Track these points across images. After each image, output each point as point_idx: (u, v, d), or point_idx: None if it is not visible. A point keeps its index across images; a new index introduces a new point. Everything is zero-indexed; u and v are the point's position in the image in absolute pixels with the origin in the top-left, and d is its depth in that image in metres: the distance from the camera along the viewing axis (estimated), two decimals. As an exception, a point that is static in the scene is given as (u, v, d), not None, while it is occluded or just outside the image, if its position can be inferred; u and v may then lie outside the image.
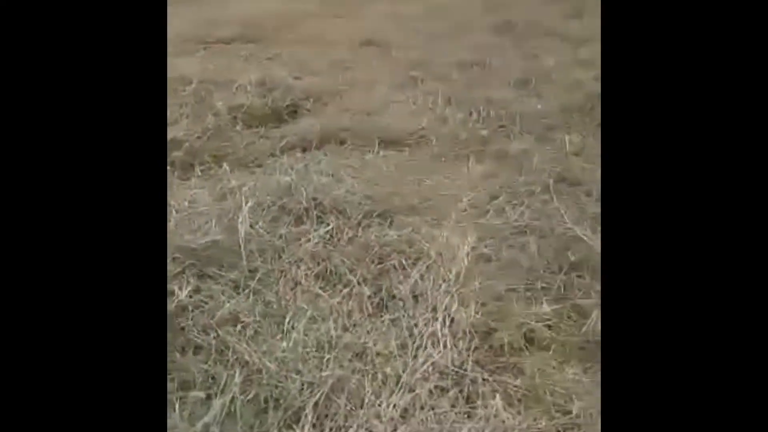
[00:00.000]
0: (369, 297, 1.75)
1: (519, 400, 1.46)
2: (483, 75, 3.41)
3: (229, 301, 1.65)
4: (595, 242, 2.01)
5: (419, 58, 3.69)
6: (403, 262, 1.86)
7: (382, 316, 1.69)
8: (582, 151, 2.65)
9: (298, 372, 1.44)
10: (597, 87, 3.15)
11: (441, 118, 2.79)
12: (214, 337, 1.54)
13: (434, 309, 1.69)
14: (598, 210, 2.18)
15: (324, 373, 1.42)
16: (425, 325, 1.64)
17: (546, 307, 1.75)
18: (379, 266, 1.86)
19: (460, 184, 2.33)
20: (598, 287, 1.81)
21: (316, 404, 1.38)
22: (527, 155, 2.60)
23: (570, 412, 1.40)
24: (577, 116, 2.92)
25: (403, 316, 1.68)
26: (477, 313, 1.68)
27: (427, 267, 1.83)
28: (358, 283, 1.79)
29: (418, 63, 3.61)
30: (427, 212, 2.09)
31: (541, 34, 4.17)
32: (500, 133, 2.78)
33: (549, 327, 1.68)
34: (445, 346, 1.57)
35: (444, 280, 1.79)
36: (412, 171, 2.34)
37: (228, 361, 1.48)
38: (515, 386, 1.49)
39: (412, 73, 3.39)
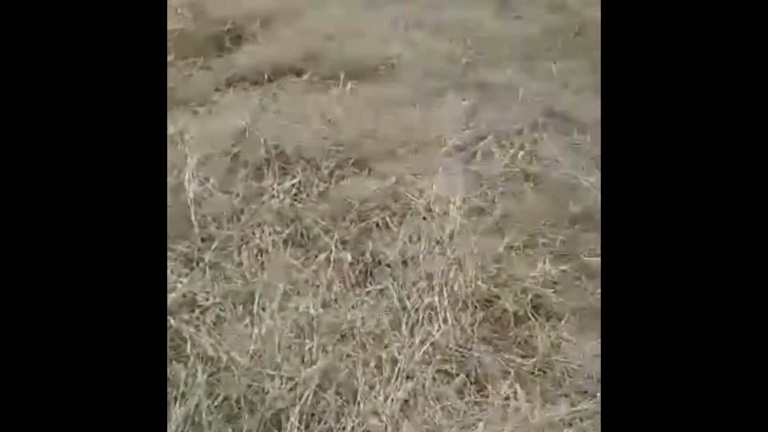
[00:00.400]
0: (351, 264, 1.53)
1: (533, 381, 1.31)
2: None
3: (180, 281, 1.40)
4: (597, 188, 1.85)
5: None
6: (388, 220, 1.64)
7: (368, 287, 1.48)
8: (570, 81, 2.45)
9: (276, 366, 1.23)
10: (581, 8, 2.92)
11: (413, 45, 2.49)
12: (167, 327, 1.30)
13: (428, 276, 1.49)
14: (596, 151, 2.01)
15: (308, 369, 1.22)
16: (419, 296, 1.45)
17: (550, 268, 1.58)
18: (359, 226, 1.63)
19: (441, 122, 2.09)
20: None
21: (301, 404, 1.19)
22: (512, 87, 2.38)
23: (594, 396, 1.26)
24: (562, 41, 2.69)
25: (393, 285, 1.48)
26: (477, 279, 1.50)
27: (416, 225, 1.62)
28: (337, 247, 1.57)
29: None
30: (409, 158, 1.86)
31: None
32: (480, 62, 2.53)
33: (556, 291, 1.52)
34: (444, 321, 1.39)
35: (437, 241, 1.59)
36: (386, 108, 2.07)
37: (187, 356, 1.25)
38: (528, 366, 1.33)
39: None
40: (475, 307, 1.45)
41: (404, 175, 1.77)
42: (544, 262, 1.60)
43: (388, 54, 2.38)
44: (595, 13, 2.87)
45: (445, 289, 1.46)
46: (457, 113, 2.17)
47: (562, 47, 2.66)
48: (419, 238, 1.58)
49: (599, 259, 1.60)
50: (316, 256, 1.54)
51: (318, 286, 1.46)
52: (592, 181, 1.86)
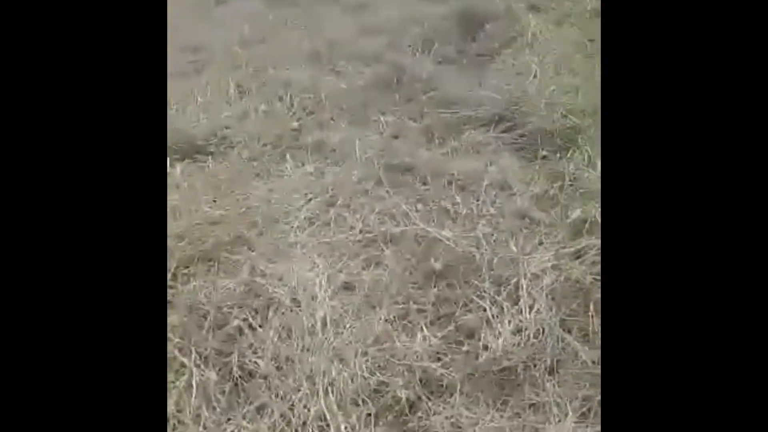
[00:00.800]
0: (217, 383, 1.27)
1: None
2: (270, 54, 2.92)
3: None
4: (452, 241, 1.78)
5: (188, 39, 3.02)
6: (251, 320, 1.40)
7: (244, 407, 1.23)
8: (401, 132, 2.40)
9: None
10: (395, 56, 2.92)
11: (241, 112, 2.27)
12: None
13: (309, 377, 1.29)
14: (445, 202, 1.96)
15: None
16: (304, 404, 1.24)
17: (429, 335, 1.47)
18: (219, 333, 1.37)
19: (286, 193, 1.89)
20: (473, 296, 1.59)
21: None
22: (347, 144, 2.27)
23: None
24: (384, 93, 2.65)
25: (272, 398, 1.24)
26: (360, 369, 1.32)
27: (284, 320, 1.40)
28: (197, 366, 1.29)
29: (189, 45, 2.95)
30: (261, 241, 1.63)
31: (316, 2, 3.78)
32: (311, 122, 2.39)
33: (442, 363, 1.40)
34: (338, 429, 1.19)
35: (309, 333, 1.39)
36: (224, 188, 1.83)
37: None
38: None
39: (186, 58, 2.76)
40: (365, 401, 1.27)
41: (259, 263, 1.54)
42: (422, 330, 1.48)
43: (216, 126, 2.13)
44: (409, 61, 2.91)
45: (330, 390, 1.26)
46: (299, 180, 2.00)
47: (386, 98, 2.63)
48: (290, 335, 1.37)
49: (474, 315, 1.53)
50: (174, 383, 1.26)
51: (181, 421, 1.18)
52: (446, 234, 1.80)
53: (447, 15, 3.42)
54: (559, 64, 2.87)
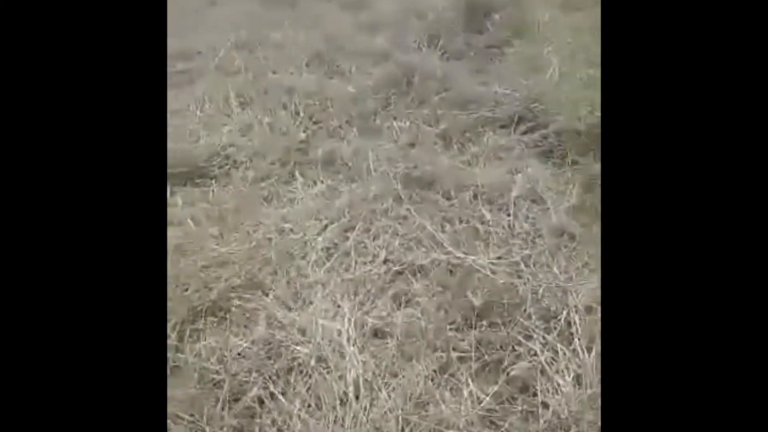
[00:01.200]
0: (237, 473, 1.02)
1: None
2: (270, 57, 2.63)
3: None
4: (489, 269, 1.53)
5: (176, 46, 2.67)
6: (271, 386, 1.15)
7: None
8: (417, 140, 2.13)
9: None
10: (402, 56, 2.63)
11: (243, 125, 2.00)
12: None
13: (344, 460, 1.04)
14: (474, 220, 1.71)
15: None
16: (342, 498, 0.99)
17: (476, 391, 1.22)
18: (234, 404, 1.12)
19: (299, 220, 1.63)
20: (520, 338, 1.34)
21: None
22: (360, 155, 2.00)
23: None
24: (395, 95, 2.37)
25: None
26: (405, 443, 1.08)
27: (311, 385, 1.15)
28: (210, 451, 1.04)
29: (178, 52, 2.63)
30: (279, 284, 1.37)
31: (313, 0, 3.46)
32: (319, 132, 2.11)
33: (496, 429, 1.15)
34: None
35: (341, 400, 1.13)
36: (231, 219, 1.56)
37: None
38: None
39: (178, 67, 2.46)
40: (414, 486, 1.03)
41: (276, 313, 1.28)
42: (468, 385, 1.23)
43: (217, 145, 1.85)
44: (417, 58, 2.62)
45: (370, 475, 1.01)
46: (312, 201, 1.73)
47: (397, 101, 2.35)
48: (319, 405, 1.12)
49: (526, 363, 1.28)
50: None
51: None
52: (481, 262, 1.54)
53: (450, 6, 3.13)
54: (574, 54, 2.60)
